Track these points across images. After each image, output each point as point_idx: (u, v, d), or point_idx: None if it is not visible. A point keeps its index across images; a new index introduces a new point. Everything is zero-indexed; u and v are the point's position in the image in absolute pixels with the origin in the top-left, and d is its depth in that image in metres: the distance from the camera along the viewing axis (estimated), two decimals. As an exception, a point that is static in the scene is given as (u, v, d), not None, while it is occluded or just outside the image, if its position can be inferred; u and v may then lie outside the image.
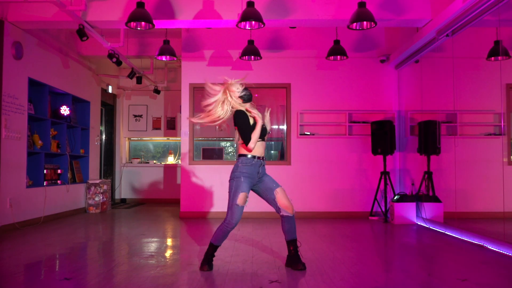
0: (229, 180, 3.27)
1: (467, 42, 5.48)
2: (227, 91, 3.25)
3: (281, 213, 3.33)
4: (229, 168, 6.80)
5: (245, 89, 3.31)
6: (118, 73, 8.85)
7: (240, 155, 3.31)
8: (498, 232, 4.28)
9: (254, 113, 3.26)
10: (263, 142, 3.36)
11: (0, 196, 5.15)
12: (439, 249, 4.38)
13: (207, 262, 3.33)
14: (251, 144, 3.23)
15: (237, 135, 3.33)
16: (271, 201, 3.35)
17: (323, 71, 6.92)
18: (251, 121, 3.28)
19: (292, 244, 3.35)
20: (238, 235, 4.96)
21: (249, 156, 3.29)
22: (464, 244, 4.47)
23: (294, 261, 3.33)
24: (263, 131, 3.32)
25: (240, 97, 3.26)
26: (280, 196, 3.32)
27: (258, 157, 3.31)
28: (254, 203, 6.10)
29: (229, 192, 3.29)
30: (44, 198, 6.07)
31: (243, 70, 6.85)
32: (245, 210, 3.26)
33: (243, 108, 3.29)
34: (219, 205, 6.73)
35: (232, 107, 3.27)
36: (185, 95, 6.90)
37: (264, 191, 3.36)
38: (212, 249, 3.35)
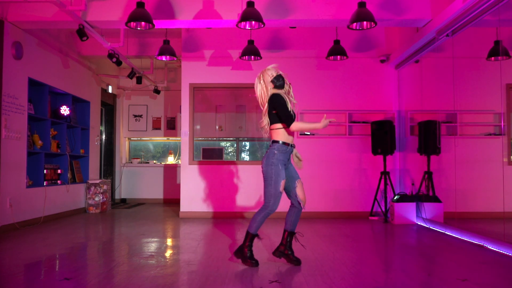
0: (266, 166, 3.32)
1: (467, 42, 5.48)
2: (261, 76, 3.45)
3: (295, 204, 3.45)
4: (229, 168, 6.83)
5: (279, 76, 3.40)
6: (118, 73, 8.85)
7: (274, 141, 3.39)
8: (498, 232, 4.28)
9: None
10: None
11: (0, 196, 5.15)
12: (439, 249, 4.38)
13: (249, 255, 3.39)
14: (293, 126, 3.31)
15: (266, 119, 3.41)
16: (291, 189, 3.44)
17: (323, 71, 6.92)
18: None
19: (290, 235, 3.48)
20: (238, 235, 4.96)
21: (282, 142, 3.37)
22: (464, 244, 4.48)
23: (282, 249, 3.46)
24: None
25: (272, 81, 3.40)
26: (300, 187, 3.44)
27: (291, 145, 3.42)
28: (254, 203, 6.12)
29: (267, 178, 3.34)
30: (44, 198, 6.07)
31: (243, 70, 6.85)
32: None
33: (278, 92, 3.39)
34: (219, 205, 6.73)
35: (264, 91, 3.42)
36: (185, 95, 6.89)
37: (287, 178, 3.43)
38: (251, 238, 3.41)
